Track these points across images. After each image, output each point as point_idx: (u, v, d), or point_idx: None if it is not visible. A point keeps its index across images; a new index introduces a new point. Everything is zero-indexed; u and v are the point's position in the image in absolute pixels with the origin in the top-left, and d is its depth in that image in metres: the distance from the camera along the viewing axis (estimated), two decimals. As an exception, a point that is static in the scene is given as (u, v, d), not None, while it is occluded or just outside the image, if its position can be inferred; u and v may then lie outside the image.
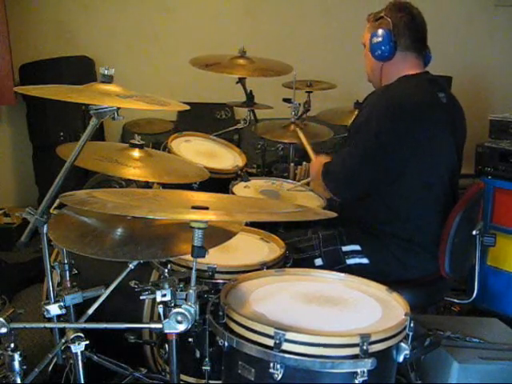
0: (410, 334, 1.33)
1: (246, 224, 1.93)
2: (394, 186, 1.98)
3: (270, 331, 1.23)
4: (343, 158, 2.04)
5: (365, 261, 2.02)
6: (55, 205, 1.48)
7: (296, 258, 1.91)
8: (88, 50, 4.06)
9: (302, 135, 2.57)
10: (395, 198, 1.99)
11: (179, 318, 1.31)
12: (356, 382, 1.22)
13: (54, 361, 1.63)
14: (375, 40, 2.03)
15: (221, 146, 2.70)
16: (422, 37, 2.07)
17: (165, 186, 2.00)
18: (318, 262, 2.04)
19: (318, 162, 2.19)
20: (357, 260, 2.02)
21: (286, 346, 1.22)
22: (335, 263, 2.01)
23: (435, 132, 1.97)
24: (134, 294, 1.42)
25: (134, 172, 1.79)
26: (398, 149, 1.92)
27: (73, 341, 1.38)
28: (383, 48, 2.02)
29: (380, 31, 2.02)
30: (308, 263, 2.01)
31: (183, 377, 1.64)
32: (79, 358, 1.42)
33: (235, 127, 2.97)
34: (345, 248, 2.04)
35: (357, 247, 2.03)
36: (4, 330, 1.32)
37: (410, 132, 1.92)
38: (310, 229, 2.15)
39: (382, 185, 1.98)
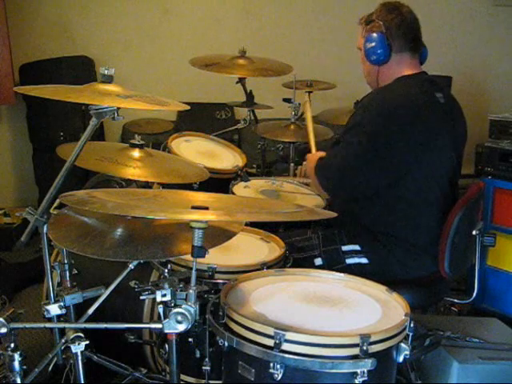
0: (410, 334, 1.33)
1: (246, 224, 1.93)
2: (393, 187, 1.97)
3: (270, 331, 1.23)
4: (335, 156, 2.03)
5: (364, 261, 2.02)
6: (55, 205, 1.48)
7: (296, 257, 1.91)
8: (88, 50, 4.06)
9: (309, 115, 2.54)
10: (395, 198, 1.98)
11: (179, 318, 1.31)
12: (356, 382, 1.22)
13: (54, 361, 1.63)
14: (369, 45, 2.01)
15: (221, 146, 2.70)
16: (416, 36, 2.05)
17: (165, 186, 2.00)
18: (318, 261, 2.04)
19: (315, 156, 2.19)
20: (356, 260, 2.02)
21: (285, 346, 1.22)
22: (335, 263, 2.01)
23: (433, 132, 1.97)
24: (134, 294, 1.42)
25: (133, 172, 1.78)
26: (393, 150, 1.91)
27: (73, 341, 1.39)
28: (378, 52, 2.00)
29: (373, 35, 2.00)
30: (308, 262, 2.01)
31: (183, 377, 1.64)
32: (79, 358, 1.42)
33: (235, 127, 2.97)
34: (344, 248, 2.04)
35: (356, 247, 2.03)
36: (4, 330, 1.32)
37: (405, 133, 1.91)
38: (310, 228, 2.15)
39: (381, 186, 1.98)
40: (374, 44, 2.00)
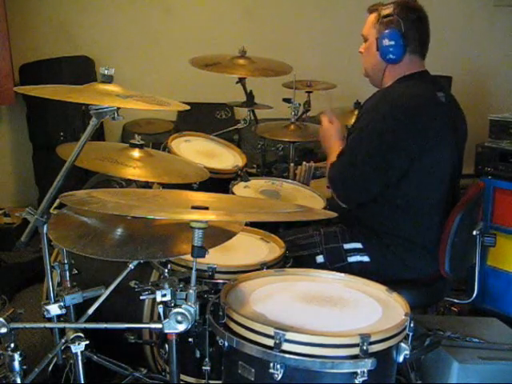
0: (410, 334, 1.33)
1: (246, 224, 1.93)
2: (396, 186, 1.97)
3: (270, 331, 1.23)
4: (344, 165, 2.00)
5: (366, 259, 2.02)
6: (55, 205, 1.48)
7: (298, 254, 1.90)
8: (88, 50, 4.06)
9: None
10: (397, 197, 1.98)
11: (179, 318, 1.31)
12: (356, 382, 1.22)
13: (54, 361, 1.63)
14: (387, 42, 1.96)
15: (221, 146, 2.70)
16: (428, 40, 2.04)
17: (165, 186, 2.00)
18: (320, 259, 2.04)
19: (332, 130, 2.16)
20: (358, 258, 2.02)
21: (286, 346, 1.22)
22: (336, 260, 2.01)
23: (436, 132, 1.96)
24: (134, 293, 1.42)
25: (133, 172, 1.79)
26: (401, 150, 1.91)
27: (73, 341, 1.38)
28: (395, 51, 1.96)
29: (392, 33, 1.95)
30: (309, 260, 2.01)
31: (183, 377, 1.64)
32: (79, 358, 1.42)
33: (235, 127, 2.96)
34: (346, 246, 2.04)
35: (358, 245, 2.02)
36: (4, 330, 1.32)
37: (412, 133, 1.91)
38: (312, 226, 2.14)
39: (389, 186, 1.97)
40: (392, 43, 1.96)
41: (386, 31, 1.97)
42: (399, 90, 1.98)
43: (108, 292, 1.45)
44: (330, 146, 2.14)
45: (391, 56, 1.98)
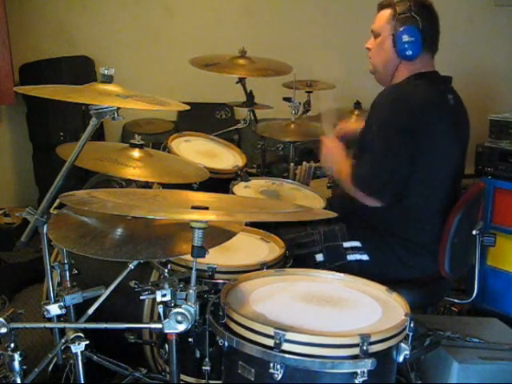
0: (410, 334, 1.33)
1: (246, 224, 1.93)
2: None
3: (270, 331, 1.23)
4: (371, 165, 1.97)
5: (365, 257, 2.02)
6: (55, 205, 1.48)
7: (297, 253, 1.91)
8: (88, 50, 4.06)
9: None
10: (400, 197, 1.98)
11: (179, 318, 1.31)
12: (356, 382, 1.22)
13: (54, 361, 1.63)
14: (406, 38, 1.96)
15: (221, 146, 2.70)
16: (438, 38, 2.05)
17: (165, 186, 2.00)
18: (319, 257, 2.04)
19: (335, 145, 2.10)
20: (357, 256, 2.02)
21: (285, 346, 1.22)
22: (336, 259, 2.02)
23: (442, 133, 1.96)
24: (134, 293, 1.42)
25: (133, 172, 1.79)
26: (409, 148, 1.91)
27: (73, 341, 1.38)
28: (413, 48, 1.97)
29: (411, 29, 1.95)
30: (309, 258, 2.02)
31: (183, 377, 1.64)
32: (79, 358, 1.42)
33: (235, 127, 2.96)
34: (346, 244, 2.04)
35: (357, 244, 2.03)
36: (4, 330, 1.32)
37: (421, 131, 1.91)
38: (311, 225, 2.14)
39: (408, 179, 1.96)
40: (412, 39, 1.96)
41: (404, 27, 1.97)
42: (411, 88, 1.98)
43: (108, 292, 1.45)
44: (340, 161, 2.09)
45: (409, 52, 1.98)
